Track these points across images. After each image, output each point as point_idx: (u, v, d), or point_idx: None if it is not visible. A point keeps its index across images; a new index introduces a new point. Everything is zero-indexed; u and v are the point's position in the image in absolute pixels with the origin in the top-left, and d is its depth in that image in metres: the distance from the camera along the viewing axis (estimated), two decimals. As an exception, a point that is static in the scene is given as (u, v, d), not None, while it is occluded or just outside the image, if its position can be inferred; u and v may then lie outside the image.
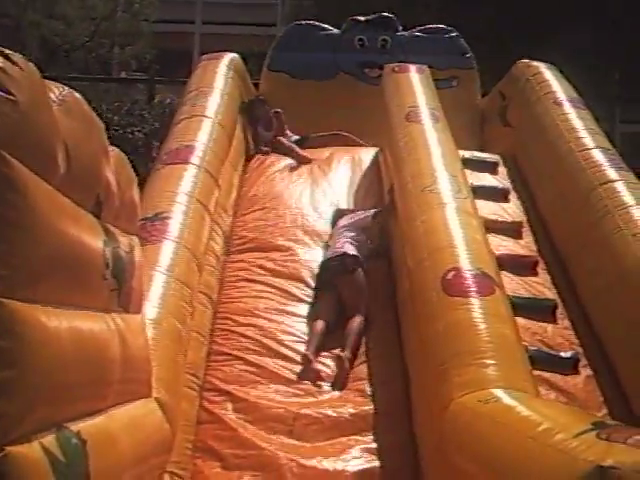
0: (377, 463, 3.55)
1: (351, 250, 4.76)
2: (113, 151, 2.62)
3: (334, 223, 5.30)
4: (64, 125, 2.09)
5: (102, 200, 2.41)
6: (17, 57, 1.89)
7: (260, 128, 6.80)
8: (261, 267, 4.91)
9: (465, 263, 3.86)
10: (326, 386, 4.04)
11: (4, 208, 1.77)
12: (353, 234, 4.95)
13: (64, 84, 2.27)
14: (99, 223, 2.38)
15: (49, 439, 1.90)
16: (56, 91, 2.15)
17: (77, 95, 2.28)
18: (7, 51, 1.87)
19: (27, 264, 1.84)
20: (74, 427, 2.04)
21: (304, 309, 4.61)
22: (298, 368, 4.12)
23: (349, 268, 4.64)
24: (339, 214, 5.38)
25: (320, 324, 4.35)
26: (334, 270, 4.67)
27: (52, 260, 1.97)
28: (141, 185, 4.69)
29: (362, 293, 4.58)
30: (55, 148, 2.04)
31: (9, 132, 1.80)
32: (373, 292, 4.72)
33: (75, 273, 2.14)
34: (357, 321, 4.36)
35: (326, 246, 5.10)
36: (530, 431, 2.45)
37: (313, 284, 4.77)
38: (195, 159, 4.98)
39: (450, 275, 3.78)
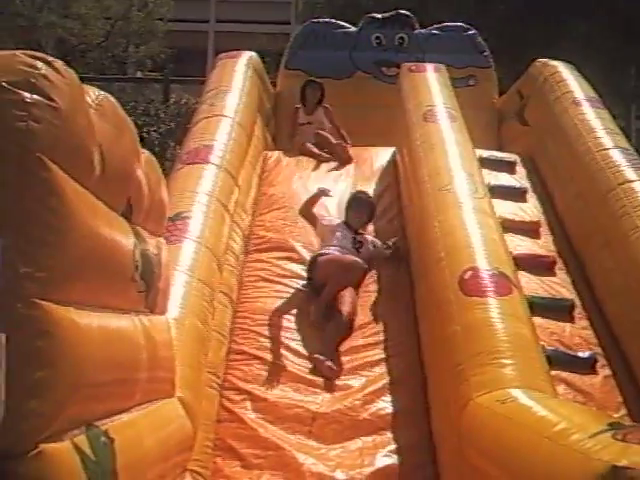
0: (396, 462, 3.57)
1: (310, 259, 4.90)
2: (143, 153, 2.65)
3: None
4: (99, 128, 2.12)
5: (133, 203, 2.44)
6: (58, 63, 1.92)
7: (301, 110, 6.88)
8: (280, 267, 4.94)
9: (482, 263, 3.86)
10: (344, 385, 4.06)
11: (44, 212, 1.81)
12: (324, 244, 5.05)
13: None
14: (130, 226, 2.42)
15: (80, 437, 1.94)
16: (92, 95, 2.18)
17: (112, 99, 2.32)
18: (49, 58, 1.91)
19: (62, 266, 1.88)
20: (102, 426, 2.09)
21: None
22: (316, 368, 4.14)
23: (314, 264, 4.78)
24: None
25: (329, 325, 4.40)
26: (310, 277, 4.79)
27: (86, 263, 2.01)
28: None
29: (329, 267, 4.64)
30: (92, 151, 2.07)
31: (50, 138, 1.84)
32: (392, 293, 4.76)
33: (106, 276, 2.18)
34: (345, 295, 4.53)
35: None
36: (546, 431, 2.45)
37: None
38: (215, 159, 5.02)
39: (467, 275, 3.79)
